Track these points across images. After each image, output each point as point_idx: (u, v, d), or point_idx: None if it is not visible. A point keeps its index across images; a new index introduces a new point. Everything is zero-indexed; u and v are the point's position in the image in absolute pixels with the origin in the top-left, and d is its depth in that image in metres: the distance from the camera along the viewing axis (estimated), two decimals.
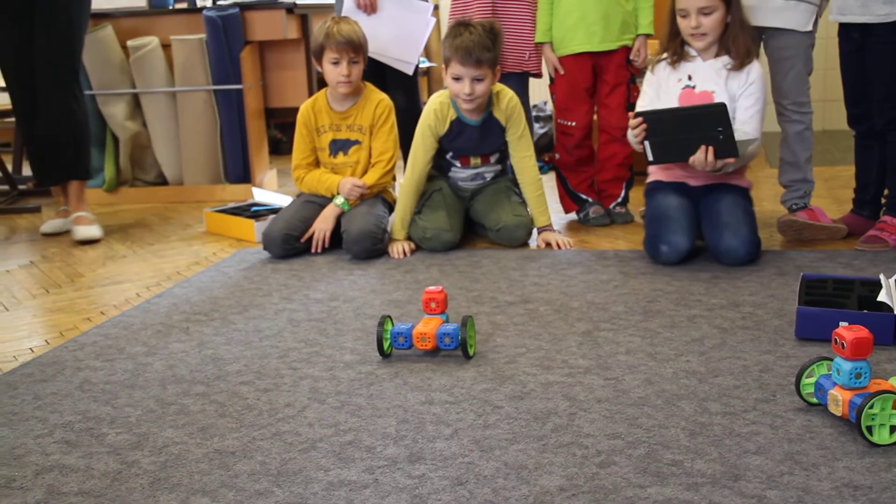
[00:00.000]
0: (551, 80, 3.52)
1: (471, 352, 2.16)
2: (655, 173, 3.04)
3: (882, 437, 1.60)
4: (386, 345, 2.19)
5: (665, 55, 2.97)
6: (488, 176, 3.38)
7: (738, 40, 2.84)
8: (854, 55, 2.91)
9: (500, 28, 3.15)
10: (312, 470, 1.63)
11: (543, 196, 3.26)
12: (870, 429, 1.60)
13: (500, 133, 3.26)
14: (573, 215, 3.61)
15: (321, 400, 1.94)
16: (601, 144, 3.51)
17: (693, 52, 2.93)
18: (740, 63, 2.85)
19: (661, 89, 2.98)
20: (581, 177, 3.53)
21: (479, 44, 3.02)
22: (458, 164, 3.33)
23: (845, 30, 2.92)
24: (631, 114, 2.87)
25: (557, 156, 3.56)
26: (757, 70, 2.86)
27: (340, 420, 1.84)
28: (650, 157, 2.84)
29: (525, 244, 3.23)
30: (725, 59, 2.88)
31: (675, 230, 2.79)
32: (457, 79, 3.07)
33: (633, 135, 2.82)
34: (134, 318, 2.58)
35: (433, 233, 3.17)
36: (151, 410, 1.93)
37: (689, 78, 2.92)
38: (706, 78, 2.90)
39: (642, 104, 2.99)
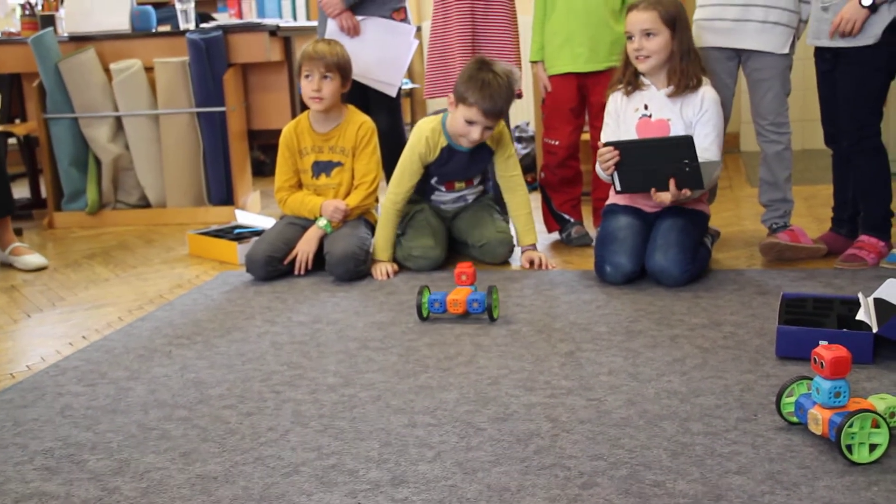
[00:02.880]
0: (543, 100, 3.54)
1: (495, 314, 2.57)
2: (613, 197, 3.09)
3: (862, 455, 1.61)
4: (424, 310, 2.60)
5: (620, 86, 3.01)
6: (470, 198, 3.40)
7: (684, 66, 2.88)
8: (828, 75, 2.95)
9: (516, 76, 3.14)
10: (295, 494, 1.62)
11: (531, 215, 3.28)
12: (849, 447, 1.62)
13: (489, 156, 3.28)
14: (556, 235, 3.62)
15: (304, 423, 1.94)
16: (594, 164, 3.53)
17: (647, 82, 2.96)
18: (680, 90, 2.88)
19: (619, 119, 3.02)
20: (564, 197, 3.55)
21: (505, 97, 3.03)
22: (443, 189, 3.35)
23: (819, 51, 2.96)
24: (600, 143, 2.88)
25: (542, 175, 3.58)
26: (710, 96, 2.89)
27: (323, 443, 1.83)
28: (618, 187, 2.88)
29: (507, 262, 3.25)
30: (672, 87, 2.92)
31: (618, 251, 2.85)
32: (470, 122, 3.05)
33: (603, 164, 2.85)
34: (116, 343, 2.57)
35: (420, 251, 3.19)
36: (133, 436, 1.92)
37: (646, 107, 2.96)
38: (661, 106, 2.93)
39: (605, 135, 3.03)
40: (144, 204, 4.48)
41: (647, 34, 2.86)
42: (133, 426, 1.97)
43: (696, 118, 2.89)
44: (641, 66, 2.92)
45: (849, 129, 2.89)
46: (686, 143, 2.69)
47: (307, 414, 1.99)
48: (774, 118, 3.09)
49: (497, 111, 3.04)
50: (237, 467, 1.75)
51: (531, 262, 3.18)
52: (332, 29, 3.59)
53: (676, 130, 2.88)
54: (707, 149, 2.85)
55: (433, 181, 3.33)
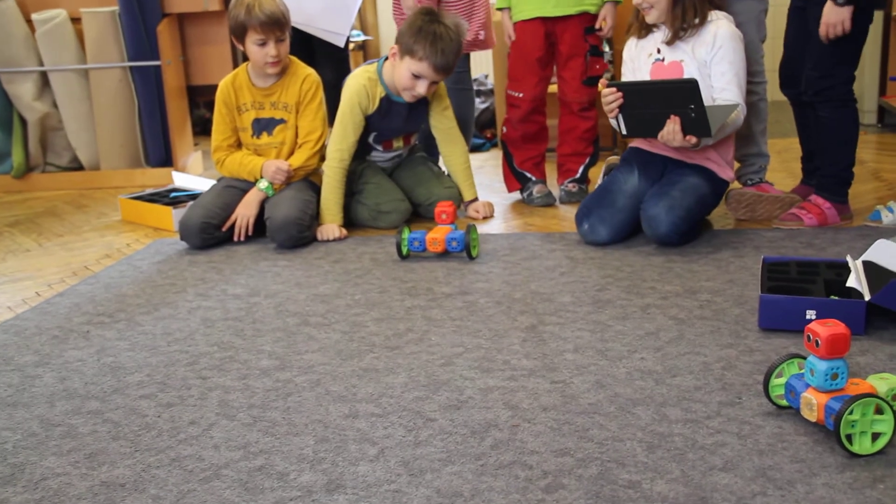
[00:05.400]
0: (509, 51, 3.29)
1: (474, 253, 2.60)
2: (637, 142, 2.88)
3: (863, 446, 1.41)
4: (404, 247, 2.61)
5: (633, 32, 2.80)
6: (404, 154, 3.24)
7: (678, 10, 2.64)
8: (798, 12, 2.73)
9: (465, 27, 2.96)
10: None
11: (470, 168, 3.20)
12: (849, 437, 1.41)
13: (426, 108, 3.11)
14: (517, 196, 3.39)
15: (231, 416, 1.70)
16: (561, 117, 3.30)
17: (660, 24, 2.72)
18: (677, 34, 2.65)
19: (634, 66, 2.80)
20: (527, 154, 3.31)
21: (455, 52, 2.85)
22: (380, 149, 3.14)
23: None
24: (603, 81, 2.67)
25: (504, 129, 3.33)
26: (725, 32, 2.64)
27: (251, 440, 1.60)
28: (623, 131, 2.68)
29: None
30: (670, 34, 2.69)
31: (604, 218, 2.67)
32: (417, 76, 2.86)
33: (607, 108, 2.64)
34: (28, 322, 2.31)
35: (391, 205, 3.03)
36: (33, 434, 1.67)
37: (658, 51, 2.73)
38: (673, 48, 2.70)
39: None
40: (76, 166, 4.17)
41: None
42: (35, 422, 1.72)
43: (711, 56, 2.64)
44: (649, 18, 2.70)
45: (812, 76, 2.66)
46: (690, 86, 2.46)
47: (235, 404, 1.75)
48: (749, 66, 2.86)
49: (448, 66, 2.86)
50: (149, 471, 1.51)
51: (477, 213, 3.13)
52: None
53: (690, 72, 2.65)
54: (724, 88, 2.62)
55: (371, 139, 3.11)
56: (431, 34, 2.80)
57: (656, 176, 2.76)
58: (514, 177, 3.37)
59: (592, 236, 2.68)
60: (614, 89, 2.61)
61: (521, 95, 3.21)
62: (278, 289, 2.45)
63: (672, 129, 2.52)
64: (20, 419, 1.74)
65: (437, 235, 2.60)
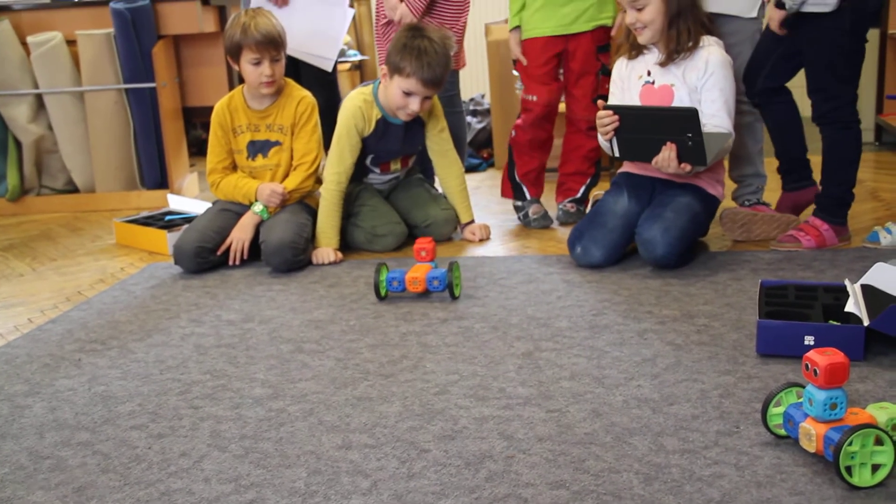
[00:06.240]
0: (514, 62, 3.27)
1: (457, 292, 2.44)
2: (627, 165, 2.87)
3: (863, 478, 1.39)
4: (382, 289, 2.46)
5: (624, 52, 2.80)
6: (401, 176, 3.23)
7: (673, 32, 2.63)
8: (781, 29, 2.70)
9: (452, 40, 2.94)
10: None
11: (467, 190, 3.19)
12: (849, 469, 1.39)
13: (422, 129, 3.10)
14: (513, 217, 3.37)
15: (222, 447, 1.68)
16: (567, 135, 3.28)
17: (651, 46, 2.72)
18: (671, 57, 2.65)
19: (623, 86, 2.79)
20: (530, 165, 3.28)
21: (443, 65, 2.84)
22: (378, 171, 3.12)
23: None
24: (600, 103, 2.65)
25: (512, 133, 3.31)
26: (716, 58, 2.63)
27: (242, 472, 1.58)
28: (616, 154, 2.67)
29: (450, 238, 3.16)
30: (664, 56, 2.68)
31: (596, 239, 2.66)
32: (408, 93, 2.85)
33: (602, 129, 2.63)
34: (19, 350, 2.29)
35: (387, 228, 3.01)
36: (21, 467, 1.65)
37: (648, 73, 2.72)
38: (664, 71, 2.69)
39: (611, 103, 2.78)
40: (72, 189, 4.16)
41: (636, 6, 2.62)
42: (23, 455, 1.70)
43: (701, 82, 2.63)
44: (641, 39, 2.68)
45: (817, 99, 2.65)
46: (690, 115, 2.45)
47: (227, 435, 1.73)
48: (743, 87, 2.85)
49: (437, 80, 2.85)
50: None
51: (473, 235, 3.12)
52: None
53: (680, 96, 2.64)
54: (714, 115, 2.61)
55: (368, 161, 3.09)
56: (416, 49, 2.80)
57: (646, 197, 2.74)
58: (511, 186, 3.35)
59: (586, 258, 2.66)
60: (611, 112, 2.60)
61: (535, 99, 3.18)
62: (273, 314, 2.43)
63: (668, 156, 2.51)
64: (8, 451, 1.72)
65: (418, 274, 2.44)
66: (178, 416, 1.83)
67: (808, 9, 2.54)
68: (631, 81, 2.76)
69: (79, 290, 2.82)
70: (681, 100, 2.62)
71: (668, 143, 2.50)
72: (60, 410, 1.90)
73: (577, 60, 3.12)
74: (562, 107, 3.32)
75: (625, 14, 2.71)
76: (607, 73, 3.13)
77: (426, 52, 2.79)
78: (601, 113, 2.63)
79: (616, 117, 2.59)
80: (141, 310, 2.56)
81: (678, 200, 2.64)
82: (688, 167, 2.53)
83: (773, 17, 2.69)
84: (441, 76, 2.86)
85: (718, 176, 2.75)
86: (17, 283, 2.96)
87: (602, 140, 2.70)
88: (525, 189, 3.30)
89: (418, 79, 2.81)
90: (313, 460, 1.60)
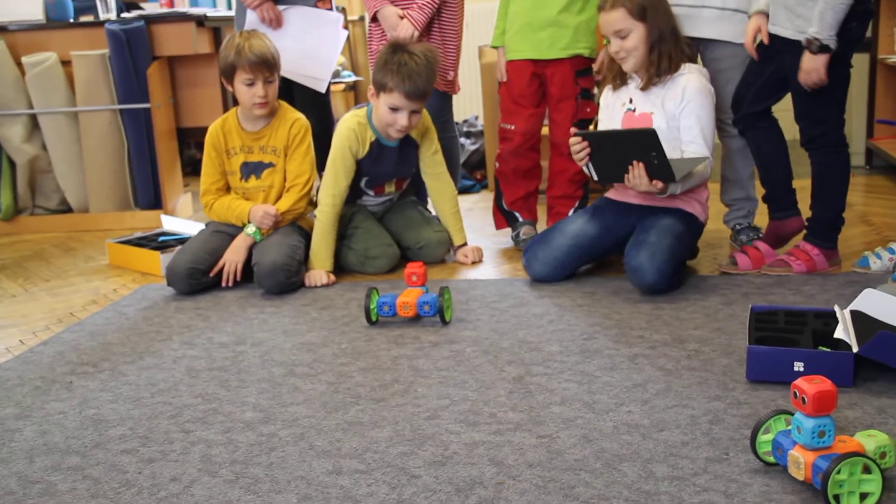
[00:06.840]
0: (499, 84, 3.30)
1: (447, 317, 2.43)
2: (611, 192, 2.91)
3: None
4: (373, 314, 2.46)
5: (608, 81, 2.83)
6: (395, 198, 3.24)
7: (654, 57, 2.67)
8: (765, 50, 2.70)
9: (436, 53, 2.96)
10: None
11: (459, 212, 3.20)
12: (837, 497, 1.40)
13: (415, 152, 3.11)
14: (506, 240, 3.38)
15: (213, 472, 1.68)
16: (551, 158, 3.30)
17: (633, 75, 2.75)
18: (649, 83, 2.70)
19: (608, 113, 2.84)
20: (517, 193, 3.30)
21: (425, 77, 2.85)
22: (372, 193, 3.13)
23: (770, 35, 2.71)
24: (572, 130, 2.68)
25: (497, 165, 3.33)
26: (694, 86, 2.66)
27: (232, 498, 1.58)
28: (595, 178, 2.74)
29: (443, 260, 3.16)
30: (642, 82, 2.72)
31: (538, 255, 2.79)
32: (395, 109, 2.87)
33: (576, 156, 2.69)
34: (10, 372, 2.28)
35: (379, 250, 3.02)
36: (10, 493, 1.65)
37: (630, 101, 2.76)
38: (644, 100, 2.73)
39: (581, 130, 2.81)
40: (65, 209, 4.16)
41: (620, 35, 2.65)
42: (12, 479, 1.70)
43: (679, 110, 2.67)
44: (626, 66, 2.72)
45: (804, 125, 2.67)
46: (648, 135, 2.51)
47: (218, 459, 1.73)
48: (731, 113, 2.87)
49: (420, 92, 2.85)
50: None
51: (466, 258, 3.13)
52: (251, 20, 3.31)
53: (658, 124, 2.68)
54: (692, 142, 2.66)
55: (363, 184, 3.10)
56: (396, 63, 2.83)
57: (622, 223, 2.78)
58: (503, 215, 3.37)
59: (531, 271, 2.81)
60: (580, 139, 2.65)
61: (512, 128, 3.21)
62: (265, 337, 2.44)
63: (637, 174, 2.57)
64: None
65: (408, 299, 2.43)
66: (169, 440, 1.83)
67: (795, 36, 2.55)
68: (615, 109, 2.81)
69: (71, 312, 2.82)
70: (659, 127, 2.64)
71: (636, 163, 2.54)
72: (51, 434, 1.89)
73: (556, 85, 3.14)
74: (545, 130, 3.34)
75: (608, 47, 2.74)
76: (588, 97, 3.17)
77: (405, 64, 2.81)
78: (572, 140, 2.68)
79: (586, 143, 2.64)
80: (133, 332, 2.56)
81: (660, 222, 2.66)
82: (660, 184, 2.56)
83: (749, 43, 2.70)
84: (424, 88, 2.86)
85: (700, 197, 2.77)
86: (9, 304, 2.96)
87: (581, 165, 2.73)
88: (516, 213, 3.32)
89: (401, 92, 2.83)
90: (304, 486, 1.60)
